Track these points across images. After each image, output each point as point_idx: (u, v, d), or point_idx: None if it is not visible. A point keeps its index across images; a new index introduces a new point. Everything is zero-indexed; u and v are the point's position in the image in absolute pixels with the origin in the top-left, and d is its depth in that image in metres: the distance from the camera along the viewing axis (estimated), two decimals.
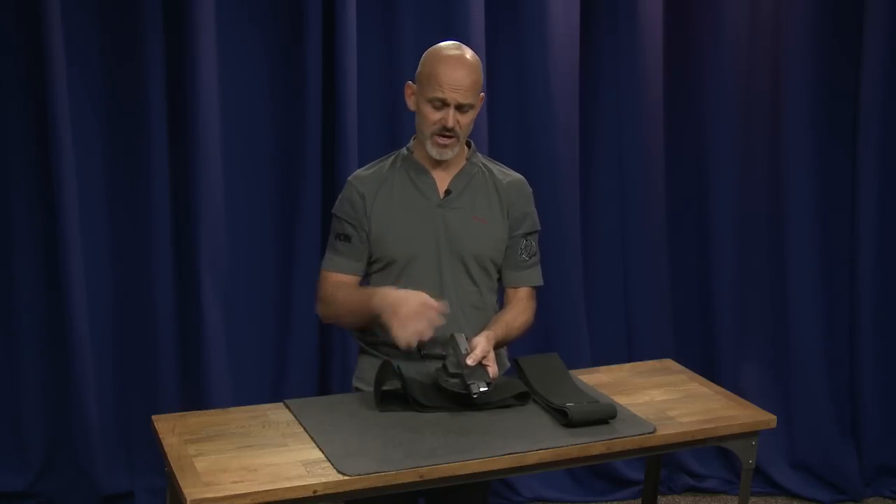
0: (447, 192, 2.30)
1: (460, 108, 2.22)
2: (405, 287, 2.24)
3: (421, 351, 2.12)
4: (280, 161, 3.24)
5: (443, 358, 2.18)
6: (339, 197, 2.35)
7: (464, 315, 2.30)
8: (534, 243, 2.40)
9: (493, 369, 2.16)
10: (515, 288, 2.40)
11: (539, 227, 2.41)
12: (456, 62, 2.21)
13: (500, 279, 2.41)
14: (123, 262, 3.18)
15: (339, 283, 2.32)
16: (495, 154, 2.90)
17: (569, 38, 3.31)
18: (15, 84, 3.02)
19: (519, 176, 2.40)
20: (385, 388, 2.11)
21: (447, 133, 2.23)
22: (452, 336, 2.15)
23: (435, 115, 2.22)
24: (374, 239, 2.29)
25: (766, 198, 3.60)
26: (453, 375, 2.06)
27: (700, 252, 3.61)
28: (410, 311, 2.11)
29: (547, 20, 3.26)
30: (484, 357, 2.15)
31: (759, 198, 3.60)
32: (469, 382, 2.06)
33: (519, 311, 2.36)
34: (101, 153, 3.11)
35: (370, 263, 2.33)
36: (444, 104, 2.21)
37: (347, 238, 2.31)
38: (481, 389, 2.05)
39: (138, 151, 3.09)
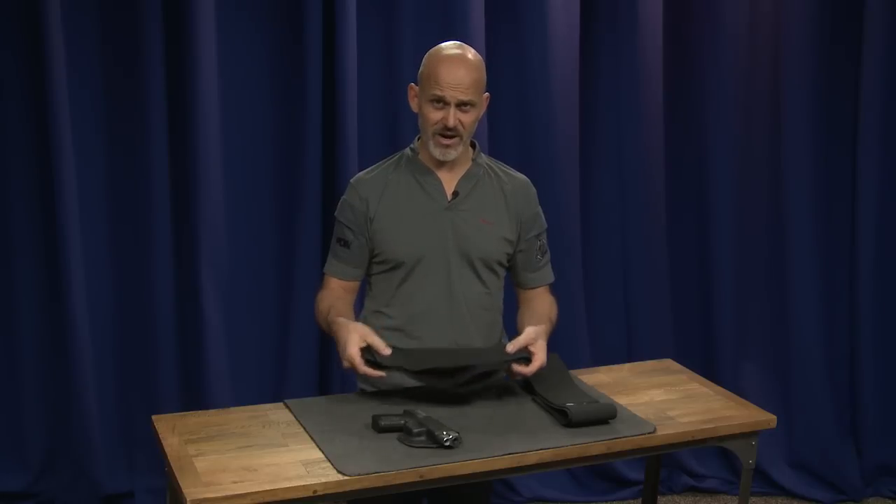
0: (455, 195, 2.30)
1: (462, 106, 2.20)
2: (413, 290, 2.27)
3: (380, 423, 2.07)
4: (280, 161, 3.24)
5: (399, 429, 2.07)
6: (341, 200, 2.35)
7: (472, 317, 2.31)
8: (545, 242, 2.42)
9: (540, 357, 2.18)
10: (533, 288, 2.41)
11: (546, 225, 2.43)
12: (456, 61, 2.21)
13: (512, 280, 2.42)
14: (123, 263, 3.18)
15: (334, 291, 2.33)
16: (495, 154, 2.89)
17: (569, 38, 3.31)
18: (15, 85, 3.02)
19: (523, 177, 2.40)
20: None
21: (449, 133, 2.22)
22: (405, 411, 2.10)
23: (436, 115, 2.21)
24: (380, 241, 2.28)
25: (766, 198, 3.60)
26: (417, 434, 2.01)
27: (700, 252, 3.61)
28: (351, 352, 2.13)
29: (547, 20, 3.26)
30: (530, 344, 2.18)
31: (759, 198, 3.60)
32: (436, 433, 1.99)
33: (547, 306, 2.40)
34: (101, 153, 3.11)
35: (376, 264, 2.32)
36: (444, 103, 2.20)
37: (347, 244, 2.31)
38: (451, 437, 1.98)
39: (138, 152, 3.09)
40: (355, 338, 2.14)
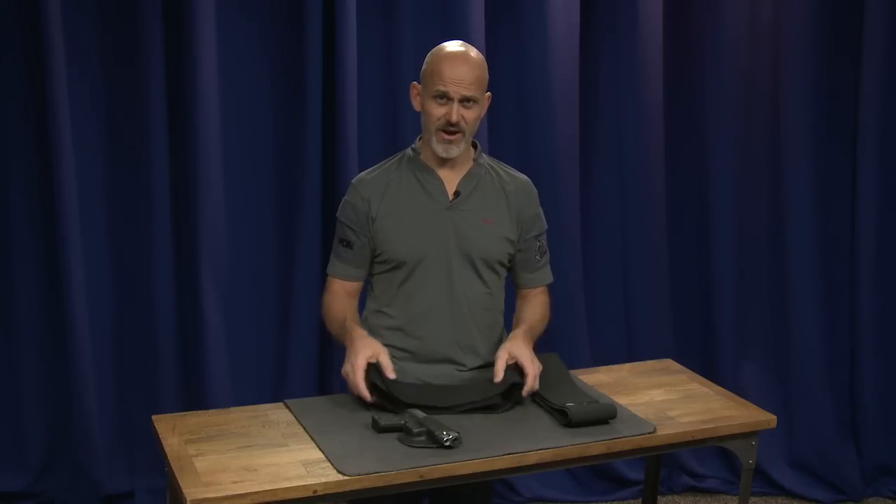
0: (456, 194, 2.30)
1: (464, 102, 2.21)
2: (415, 289, 2.27)
3: (380, 423, 2.08)
4: (280, 161, 3.24)
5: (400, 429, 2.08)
6: (343, 200, 2.35)
7: (473, 317, 2.31)
8: (544, 243, 2.42)
9: (533, 371, 2.18)
10: (531, 288, 2.41)
11: (546, 226, 2.43)
12: (459, 57, 2.23)
13: (511, 280, 2.42)
14: (123, 263, 3.18)
15: (338, 294, 2.35)
16: (495, 154, 2.89)
17: (569, 37, 3.31)
18: (15, 84, 3.02)
19: (524, 177, 2.41)
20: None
21: (451, 129, 2.23)
22: (406, 411, 2.12)
23: (439, 111, 2.22)
24: (382, 241, 2.29)
25: (766, 198, 3.60)
26: (417, 434, 2.02)
27: (700, 252, 3.61)
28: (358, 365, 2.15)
29: (547, 20, 3.26)
30: (511, 361, 2.19)
31: (759, 198, 3.60)
32: (436, 433, 2.00)
33: (538, 307, 2.40)
34: (101, 153, 3.11)
35: (378, 263, 2.33)
36: (447, 98, 2.21)
37: (349, 244, 2.32)
38: (451, 437, 1.99)
39: (138, 152, 3.09)
40: (368, 352, 2.16)
